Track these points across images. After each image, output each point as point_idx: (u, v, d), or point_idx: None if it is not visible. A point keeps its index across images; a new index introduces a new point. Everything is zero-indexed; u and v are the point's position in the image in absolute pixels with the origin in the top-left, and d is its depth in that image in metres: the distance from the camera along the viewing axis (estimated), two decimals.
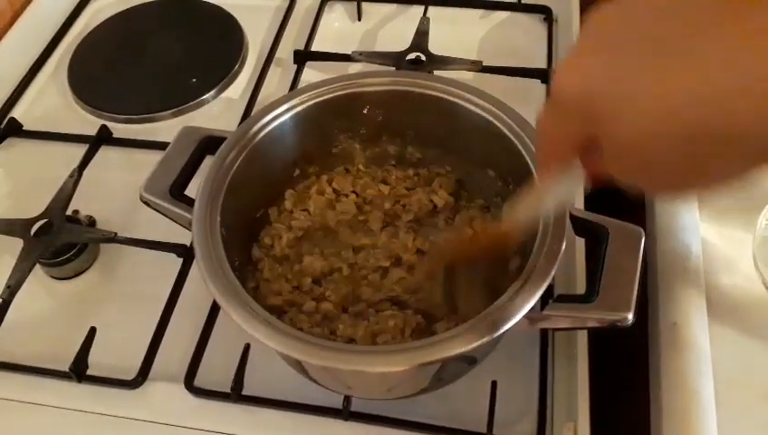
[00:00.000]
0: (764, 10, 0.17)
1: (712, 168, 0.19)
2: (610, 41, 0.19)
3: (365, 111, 0.39)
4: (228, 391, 0.36)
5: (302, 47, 0.54)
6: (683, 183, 0.20)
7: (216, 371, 0.37)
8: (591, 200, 0.40)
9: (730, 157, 0.18)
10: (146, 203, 0.36)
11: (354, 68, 0.53)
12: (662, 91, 0.18)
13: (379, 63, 0.51)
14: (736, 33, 0.17)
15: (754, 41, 0.17)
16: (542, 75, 0.51)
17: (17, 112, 0.53)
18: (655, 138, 0.19)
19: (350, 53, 0.53)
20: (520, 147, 0.35)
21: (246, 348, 0.37)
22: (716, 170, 0.19)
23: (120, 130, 0.50)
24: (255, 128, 0.37)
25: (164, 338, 0.39)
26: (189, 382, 0.37)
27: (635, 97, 0.18)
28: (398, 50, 0.52)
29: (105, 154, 0.49)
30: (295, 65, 0.53)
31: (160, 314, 0.40)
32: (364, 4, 0.58)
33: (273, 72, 0.54)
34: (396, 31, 0.56)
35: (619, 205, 0.33)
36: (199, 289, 0.40)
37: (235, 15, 0.58)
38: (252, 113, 0.49)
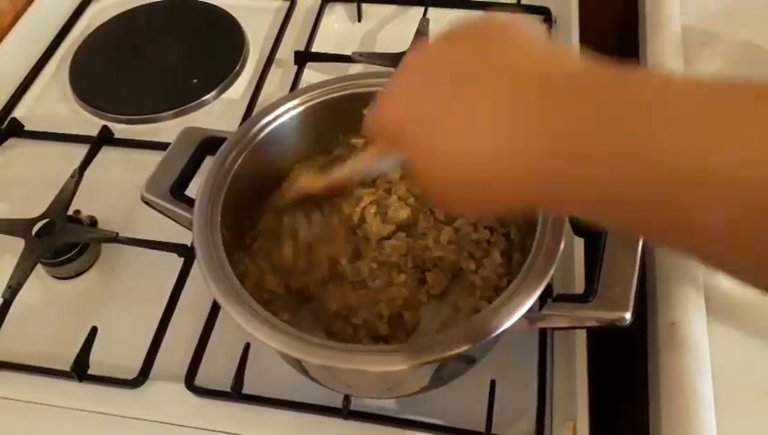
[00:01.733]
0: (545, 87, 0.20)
1: (474, 205, 0.23)
2: (413, 81, 0.23)
3: (365, 112, 0.40)
4: (229, 390, 0.36)
5: (302, 48, 0.54)
6: (460, 208, 0.25)
7: (216, 370, 0.37)
8: None
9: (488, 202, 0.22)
10: (147, 203, 0.36)
11: (354, 69, 0.53)
12: (446, 145, 0.21)
13: (380, 64, 0.51)
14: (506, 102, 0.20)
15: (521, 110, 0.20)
16: None
17: (19, 113, 0.53)
18: (428, 176, 0.23)
19: (350, 53, 0.53)
20: None
21: (247, 347, 0.37)
22: (480, 207, 0.24)
23: (121, 130, 0.51)
24: (256, 128, 0.37)
25: (165, 338, 0.39)
26: (190, 382, 0.37)
27: (420, 143, 0.22)
28: (399, 51, 0.52)
29: (106, 154, 0.49)
30: (296, 66, 0.53)
31: (161, 313, 0.40)
32: (364, 6, 0.58)
33: (273, 73, 0.54)
34: (396, 32, 0.56)
35: None
36: (200, 289, 0.40)
37: (235, 16, 0.58)
38: (252, 114, 0.49)
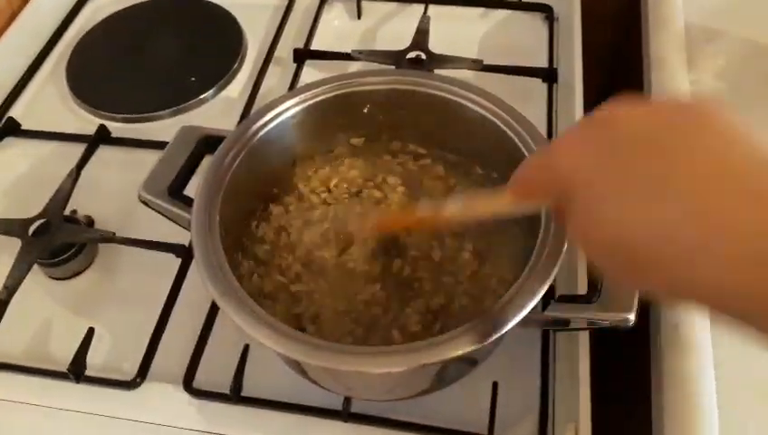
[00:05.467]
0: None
1: (647, 284, 0.21)
2: (607, 138, 0.21)
3: (365, 111, 0.39)
4: (227, 392, 0.36)
5: (301, 46, 0.54)
6: (624, 280, 0.23)
7: (214, 372, 0.37)
8: None
9: (642, 281, 0.21)
10: (144, 203, 0.36)
11: (354, 67, 0.52)
12: (621, 217, 0.20)
13: (379, 62, 0.51)
14: (719, 192, 0.18)
15: (739, 206, 0.18)
16: (544, 74, 0.50)
17: (15, 112, 0.53)
18: (586, 234, 0.21)
19: (349, 51, 0.52)
20: (521, 145, 0.35)
21: (246, 349, 0.37)
22: (652, 287, 0.21)
23: (118, 129, 0.50)
24: (255, 127, 0.37)
25: (162, 339, 0.39)
26: (188, 383, 0.37)
27: (598, 203, 0.21)
28: (399, 48, 0.52)
29: (103, 154, 0.49)
30: (295, 64, 0.53)
31: (159, 314, 0.39)
32: (364, 3, 0.58)
33: (272, 71, 0.53)
34: (396, 29, 0.55)
35: None
36: (198, 289, 0.40)
37: (234, 14, 0.58)
38: (251, 112, 0.49)
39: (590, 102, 0.46)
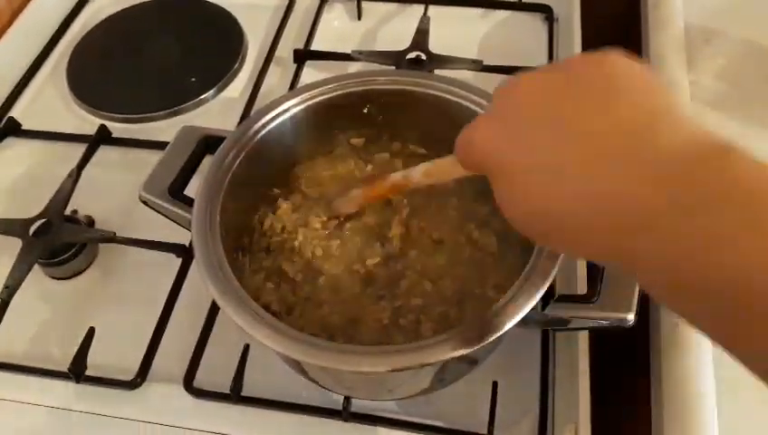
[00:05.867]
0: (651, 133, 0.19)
1: (557, 242, 0.23)
2: (518, 113, 0.22)
3: (365, 111, 0.39)
4: (228, 391, 0.36)
5: (301, 46, 0.54)
6: (543, 241, 0.24)
7: (215, 371, 0.37)
8: None
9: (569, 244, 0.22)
10: (145, 203, 0.36)
11: (354, 67, 0.52)
12: (518, 189, 0.22)
13: (380, 63, 0.51)
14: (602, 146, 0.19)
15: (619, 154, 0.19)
16: None
17: (16, 112, 0.53)
18: (508, 209, 0.22)
19: (349, 52, 0.52)
20: None
21: (246, 349, 0.37)
22: (561, 245, 0.23)
23: (118, 129, 0.50)
24: (255, 127, 0.37)
25: (163, 338, 0.39)
26: (188, 383, 0.37)
27: (506, 177, 0.22)
28: (399, 49, 0.52)
29: (104, 154, 0.49)
30: (295, 64, 0.53)
31: (159, 314, 0.39)
32: (364, 3, 0.58)
33: (272, 72, 0.54)
34: (396, 30, 0.55)
35: None
36: (198, 289, 0.40)
37: (234, 14, 0.58)
38: (251, 113, 0.49)
39: None
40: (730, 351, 0.18)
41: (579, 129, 0.20)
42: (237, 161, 0.36)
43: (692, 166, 0.18)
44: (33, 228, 0.42)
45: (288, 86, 0.51)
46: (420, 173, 0.31)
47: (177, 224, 0.36)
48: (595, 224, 0.19)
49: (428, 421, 0.35)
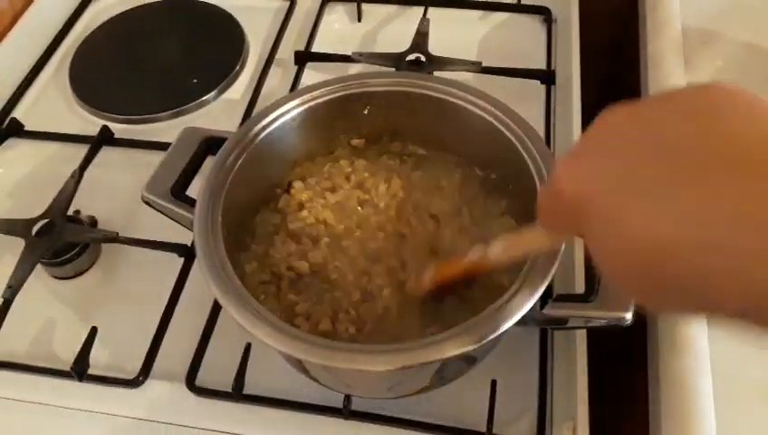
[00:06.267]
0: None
1: (668, 300, 0.19)
2: (611, 148, 0.19)
3: (365, 112, 0.40)
4: (229, 390, 0.36)
5: (302, 48, 0.54)
6: (644, 300, 0.20)
7: (217, 370, 0.37)
8: None
9: (684, 301, 0.18)
10: (147, 203, 0.36)
11: (354, 69, 0.53)
12: (633, 228, 0.18)
13: (380, 64, 0.52)
14: (727, 195, 0.16)
15: (744, 206, 0.16)
16: (542, 76, 0.51)
17: (19, 113, 0.53)
18: (615, 261, 0.19)
19: (350, 53, 0.53)
20: (520, 148, 0.35)
21: (247, 347, 0.37)
22: (672, 304, 0.19)
23: (121, 130, 0.51)
24: (256, 128, 0.37)
25: (165, 337, 0.39)
26: (191, 382, 0.37)
27: (612, 219, 0.18)
28: (399, 51, 0.52)
29: (106, 154, 0.49)
30: (296, 66, 0.53)
31: (161, 313, 0.40)
32: (364, 5, 0.58)
33: (273, 73, 0.54)
34: (396, 32, 0.56)
35: None
36: (200, 289, 0.40)
37: (235, 16, 0.58)
38: (253, 114, 0.49)
39: (588, 104, 0.47)
40: None
41: (701, 156, 0.17)
42: (239, 162, 0.36)
43: None
44: (35, 228, 0.42)
45: (289, 87, 0.52)
46: (501, 249, 0.28)
47: (180, 224, 0.36)
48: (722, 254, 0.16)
49: (428, 419, 0.35)
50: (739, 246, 0.16)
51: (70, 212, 0.44)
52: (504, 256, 0.28)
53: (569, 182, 0.20)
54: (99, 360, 0.38)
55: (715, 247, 0.16)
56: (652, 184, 0.17)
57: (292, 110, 0.38)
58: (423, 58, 0.51)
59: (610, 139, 0.19)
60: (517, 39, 0.56)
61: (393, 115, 0.40)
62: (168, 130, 0.50)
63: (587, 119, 0.46)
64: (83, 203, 0.45)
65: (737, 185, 0.16)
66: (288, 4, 0.59)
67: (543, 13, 0.56)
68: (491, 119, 0.36)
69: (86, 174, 0.46)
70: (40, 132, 0.51)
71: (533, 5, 0.57)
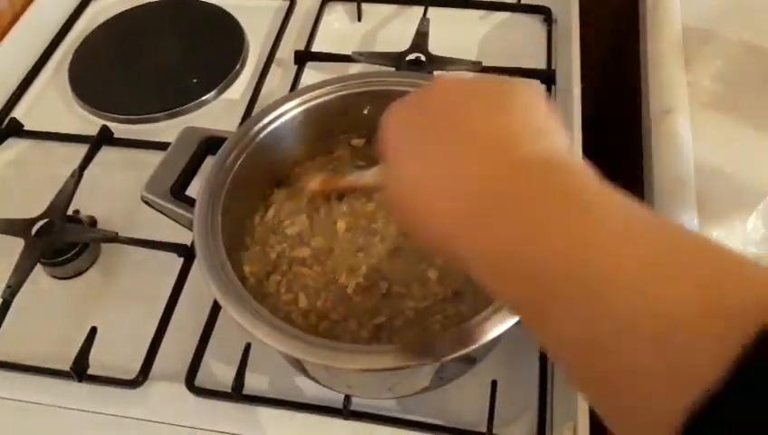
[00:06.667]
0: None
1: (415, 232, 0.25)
2: (422, 110, 0.25)
3: (365, 112, 0.40)
4: (229, 390, 0.36)
5: (302, 48, 0.54)
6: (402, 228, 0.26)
7: (216, 370, 0.38)
8: None
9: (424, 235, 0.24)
10: (147, 203, 0.36)
11: (354, 68, 0.53)
12: (395, 171, 0.25)
13: (380, 64, 0.52)
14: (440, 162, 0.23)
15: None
16: (542, 75, 0.51)
17: (18, 113, 0.53)
18: (390, 198, 0.25)
19: (350, 53, 0.53)
20: None
21: (247, 347, 0.37)
22: (422, 235, 0.25)
23: (120, 130, 0.51)
24: (256, 128, 0.37)
25: (165, 338, 0.39)
26: (190, 382, 0.37)
27: (390, 161, 0.25)
28: (399, 50, 0.52)
29: (106, 154, 0.49)
30: (296, 66, 0.53)
31: (161, 313, 0.40)
32: (364, 5, 0.58)
33: (273, 73, 0.54)
34: (396, 31, 0.56)
35: None
36: (200, 289, 0.40)
37: (235, 16, 0.58)
38: (253, 114, 0.49)
39: (588, 103, 0.47)
40: (534, 334, 0.20)
41: (471, 126, 0.23)
42: (238, 162, 0.36)
43: (540, 168, 0.21)
44: (35, 228, 0.42)
45: (289, 87, 0.52)
46: (369, 177, 0.33)
47: (179, 224, 0.36)
48: (447, 205, 0.22)
49: (428, 419, 0.35)
50: (446, 201, 0.22)
51: (69, 212, 0.44)
52: (369, 181, 0.33)
53: (389, 119, 0.25)
54: (98, 360, 0.38)
55: (437, 199, 0.22)
56: (420, 145, 0.24)
57: (292, 109, 0.38)
58: (423, 58, 0.51)
59: (427, 104, 0.25)
60: (517, 39, 0.56)
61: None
62: (167, 129, 0.50)
63: (587, 118, 0.46)
64: (83, 203, 0.45)
65: (469, 152, 0.22)
66: (288, 3, 0.59)
67: (544, 12, 0.56)
68: None
69: (86, 174, 0.46)
70: (39, 132, 0.51)
71: (534, 5, 0.57)
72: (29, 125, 0.52)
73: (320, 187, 0.37)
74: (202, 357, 0.38)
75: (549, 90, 0.50)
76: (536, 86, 0.24)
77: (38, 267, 0.42)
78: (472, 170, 0.22)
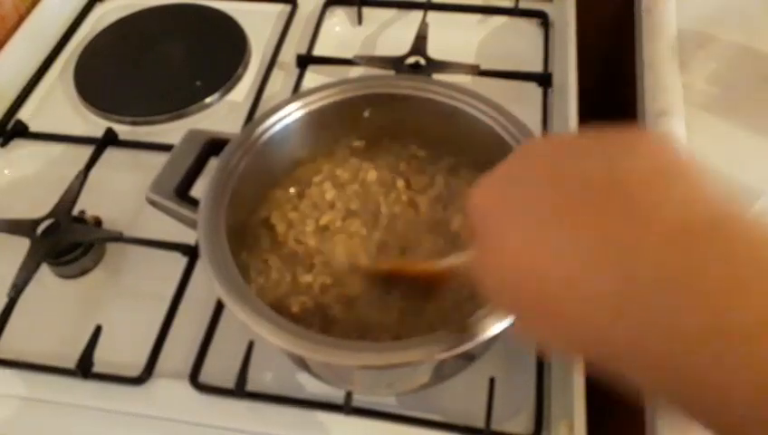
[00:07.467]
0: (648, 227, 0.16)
1: (538, 325, 0.19)
2: (520, 175, 0.20)
3: (366, 115, 0.40)
4: (232, 387, 0.36)
5: (304, 51, 0.55)
6: (516, 320, 0.21)
7: (220, 367, 0.38)
8: None
9: (551, 331, 0.19)
10: (152, 203, 0.37)
11: (355, 72, 0.53)
12: (511, 248, 0.19)
13: (380, 67, 0.52)
14: (588, 233, 0.17)
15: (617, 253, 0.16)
16: (539, 78, 0.52)
17: (24, 114, 0.54)
18: (490, 275, 0.20)
19: (351, 57, 0.53)
20: (516, 147, 0.36)
21: (250, 345, 0.38)
22: (541, 330, 0.20)
23: (125, 132, 0.51)
24: (259, 130, 0.38)
25: (169, 335, 0.40)
26: (194, 379, 0.37)
27: (495, 235, 0.20)
28: (398, 54, 0.53)
29: (111, 156, 0.49)
30: (298, 69, 0.54)
31: (165, 311, 0.40)
32: (364, 9, 0.59)
33: (275, 76, 0.54)
34: (396, 35, 0.56)
35: None
36: (204, 287, 0.41)
37: (238, 20, 0.59)
38: (255, 116, 0.50)
39: (584, 106, 0.47)
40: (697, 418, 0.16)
41: (580, 191, 0.18)
42: (242, 163, 0.37)
43: (706, 226, 0.16)
44: (41, 228, 0.43)
45: (291, 90, 0.52)
46: (460, 260, 0.29)
47: (183, 224, 0.37)
48: (583, 296, 0.17)
49: (427, 416, 0.36)
50: (585, 286, 0.17)
51: (75, 212, 0.44)
52: (454, 263, 0.29)
53: (478, 197, 0.21)
54: (103, 358, 0.38)
55: (572, 284, 0.17)
56: (540, 212, 0.18)
57: (294, 112, 0.39)
58: (422, 61, 0.52)
59: (524, 165, 0.20)
60: (515, 42, 0.56)
61: (393, 117, 0.40)
62: (171, 131, 0.51)
63: (583, 121, 0.46)
64: (88, 203, 0.45)
65: (600, 222, 0.17)
66: (290, 7, 0.60)
67: (540, 16, 0.57)
68: (489, 120, 0.37)
69: (91, 175, 0.47)
70: (45, 134, 0.52)
71: (531, 9, 0.57)
72: (34, 127, 0.52)
73: (391, 269, 0.35)
74: (206, 354, 0.39)
75: (545, 92, 0.51)
76: (660, 134, 0.20)
77: (43, 267, 0.42)
78: (598, 244, 0.16)
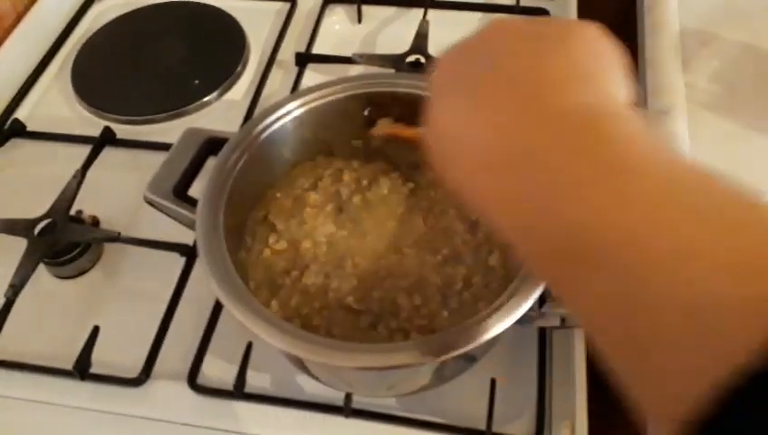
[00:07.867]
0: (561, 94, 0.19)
1: (449, 171, 0.23)
2: (471, 57, 0.23)
3: (365, 113, 0.40)
4: (231, 388, 0.36)
5: (303, 49, 0.55)
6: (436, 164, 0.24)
7: (218, 369, 0.38)
8: None
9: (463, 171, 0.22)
10: (150, 203, 0.36)
11: (355, 70, 0.53)
12: (438, 111, 0.23)
13: (380, 66, 0.52)
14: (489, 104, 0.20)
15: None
16: None
17: (21, 114, 0.53)
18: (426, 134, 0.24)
19: (350, 55, 0.53)
20: None
21: (249, 346, 0.37)
22: (454, 174, 0.22)
23: (123, 131, 0.51)
24: (258, 129, 0.37)
25: (167, 336, 0.39)
26: (192, 380, 0.37)
27: (434, 103, 0.23)
28: (399, 52, 0.52)
29: (109, 155, 0.49)
30: (297, 67, 0.54)
31: (163, 312, 0.40)
32: (364, 7, 0.58)
33: (274, 74, 0.54)
34: (396, 33, 0.56)
35: None
36: (202, 288, 0.41)
37: (237, 18, 0.59)
38: (254, 115, 0.49)
39: None
40: (561, 298, 0.19)
41: (514, 67, 0.21)
42: (240, 162, 0.36)
43: (574, 122, 0.18)
44: (38, 228, 0.43)
45: (290, 89, 0.52)
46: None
47: (182, 224, 0.36)
48: (469, 158, 0.20)
49: (428, 418, 0.36)
50: (487, 155, 0.20)
51: (72, 212, 0.44)
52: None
53: (436, 73, 0.24)
54: (101, 359, 0.38)
55: (476, 151, 0.20)
56: (472, 91, 0.21)
57: (293, 111, 0.38)
58: (423, 59, 0.52)
59: (482, 45, 0.23)
60: None
61: (393, 116, 0.40)
62: (169, 130, 0.50)
63: None
64: (85, 203, 0.45)
65: (508, 108, 0.20)
66: (289, 5, 0.59)
67: (542, 14, 0.57)
68: None
69: (88, 174, 0.46)
70: (42, 133, 0.52)
71: (532, 7, 0.57)
72: (32, 126, 0.52)
73: (386, 133, 0.37)
74: (204, 356, 0.38)
75: None
76: (601, 29, 0.22)
77: (41, 267, 0.42)
78: (497, 119, 0.20)
